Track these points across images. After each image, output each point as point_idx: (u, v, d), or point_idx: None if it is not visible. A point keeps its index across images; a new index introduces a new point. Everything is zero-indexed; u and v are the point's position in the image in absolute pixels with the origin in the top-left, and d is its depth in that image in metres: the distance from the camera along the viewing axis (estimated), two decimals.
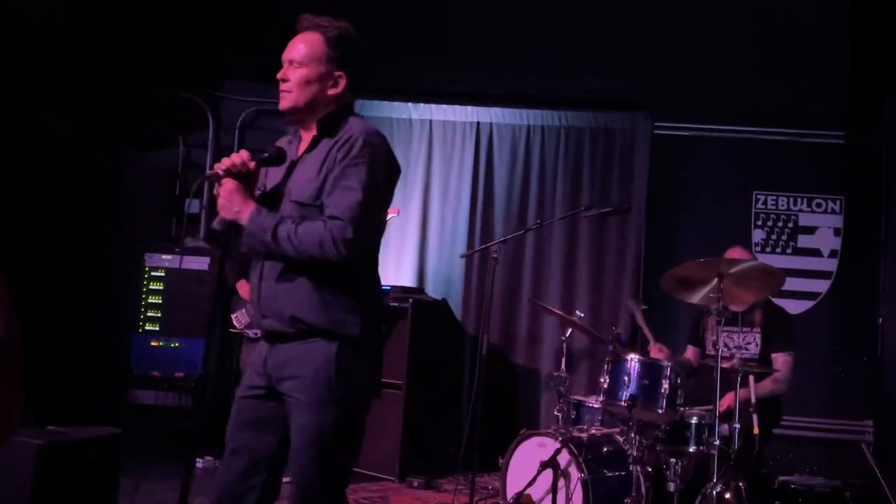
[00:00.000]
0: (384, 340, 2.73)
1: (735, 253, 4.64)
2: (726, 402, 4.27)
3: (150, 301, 6.20)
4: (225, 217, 2.48)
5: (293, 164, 2.58)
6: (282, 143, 2.68)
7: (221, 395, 5.85)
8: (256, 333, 5.07)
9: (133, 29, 6.04)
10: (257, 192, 2.59)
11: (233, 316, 5.15)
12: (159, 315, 6.18)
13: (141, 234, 6.45)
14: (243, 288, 5.10)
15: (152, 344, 6.13)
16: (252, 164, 2.51)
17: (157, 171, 6.92)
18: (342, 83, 2.56)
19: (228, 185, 2.46)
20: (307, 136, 2.59)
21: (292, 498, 2.47)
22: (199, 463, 5.46)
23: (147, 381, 6.03)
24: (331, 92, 2.56)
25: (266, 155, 2.55)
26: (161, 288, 6.21)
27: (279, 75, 2.57)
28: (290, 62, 2.55)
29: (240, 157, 2.49)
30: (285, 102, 2.56)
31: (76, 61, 5.91)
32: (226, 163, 2.49)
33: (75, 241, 6.03)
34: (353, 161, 2.44)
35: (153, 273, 6.23)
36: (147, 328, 6.15)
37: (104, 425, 3.93)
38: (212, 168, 2.61)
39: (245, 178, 2.50)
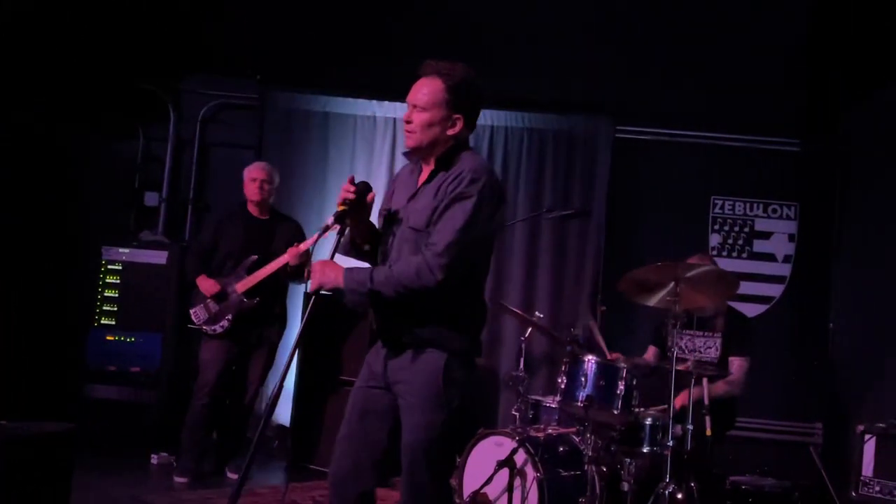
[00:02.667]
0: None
1: (695, 260, 4.70)
2: (680, 399, 4.34)
3: (106, 295, 6.12)
4: (325, 287, 2.75)
5: (415, 193, 2.87)
6: (404, 170, 3.03)
7: (178, 391, 5.85)
8: (215, 330, 5.04)
9: (94, 19, 5.95)
10: (381, 213, 2.96)
11: (191, 311, 5.11)
12: (115, 309, 6.11)
13: (98, 227, 6.36)
14: (203, 283, 5.07)
15: (108, 338, 6.06)
16: (352, 191, 2.78)
17: (115, 163, 6.83)
18: (459, 124, 2.84)
19: (316, 265, 2.77)
20: (427, 169, 2.89)
21: (405, 488, 2.80)
22: (154, 459, 5.41)
23: (103, 375, 5.95)
24: (449, 132, 2.83)
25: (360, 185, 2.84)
26: (118, 282, 6.13)
27: (404, 117, 2.85)
28: (414, 106, 2.82)
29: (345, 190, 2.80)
30: (410, 142, 2.84)
31: (35, 51, 5.81)
32: (340, 197, 2.79)
33: (31, 233, 5.94)
34: (460, 195, 2.72)
35: (110, 266, 6.15)
36: (103, 322, 6.07)
37: (58, 420, 3.87)
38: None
39: (357, 209, 2.81)
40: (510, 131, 6.56)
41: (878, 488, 4.24)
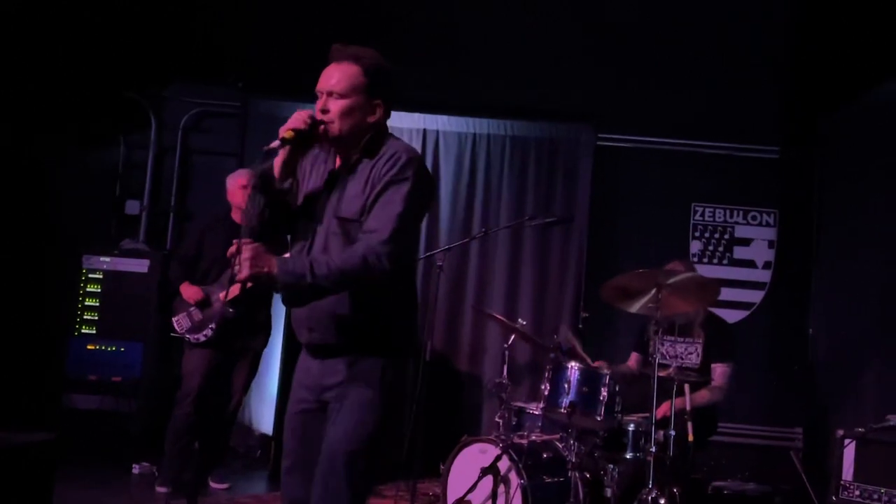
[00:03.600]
0: None
1: (674, 266, 4.75)
2: (662, 410, 4.37)
3: (87, 303, 6.08)
4: (257, 275, 2.44)
5: (332, 181, 2.66)
6: (312, 154, 2.76)
7: (159, 400, 5.81)
8: (198, 338, 5.00)
9: (75, 27, 5.92)
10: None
11: (174, 319, 5.06)
12: (96, 318, 6.07)
13: (79, 236, 6.32)
14: (187, 290, 5.04)
15: (89, 347, 6.02)
16: (307, 122, 2.55)
17: (96, 171, 6.79)
18: (380, 110, 2.64)
19: (247, 250, 2.43)
20: (346, 157, 2.66)
21: (316, 496, 2.52)
22: (136, 469, 5.37)
23: (83, 385, 5.91)
24: (370, 119, 2.63)
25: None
26: (99, 290, 6.10)
27: (319, 106, 2.60)
28: (330, 94, 2.60)
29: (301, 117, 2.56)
30: (330, 134, 2.61)
31: (16, 58, 5.77)
32: (289, 125, 2.54)
33: (10, 241, 5.88)
34: (397, 178, 2.53)
35: (91, 275, 6.11)
36: (84, 331, 6.03)
37: (38, 430, 3.84)
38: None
39: (304, 141, 2.57)
40: (492, 139, 6.58)
41: (857, 492, 4.28)
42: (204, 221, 5.51)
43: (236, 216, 5.21)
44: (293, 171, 2.67)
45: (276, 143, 2.54)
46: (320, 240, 2.62)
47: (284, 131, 2.54)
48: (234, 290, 4.96)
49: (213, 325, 4.98)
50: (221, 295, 5.00)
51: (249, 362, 5.17)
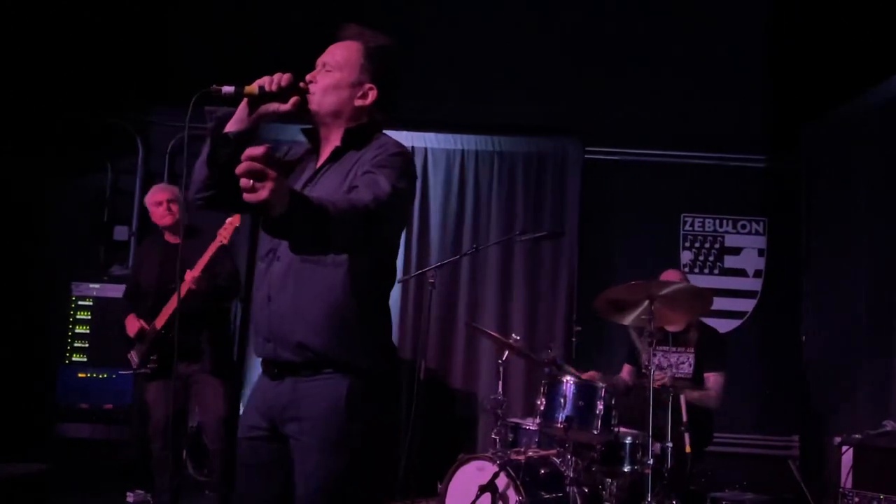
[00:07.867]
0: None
1: (668, 275, 4.77)
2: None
3: (77, 331, 6.03)
4: (274, 213, 1.85)
5: (314, 174, 2.39)
6: (299, 148, 2.52)
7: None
8: (146, 372, 4.68)
9: (61, 53, 5.92)
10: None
11: (129, 356, 4.74)
12: (87, 345, 6.02)
13: (67, 263, 6.28)
14: (128, 324, 4.69)
15: (79, 375, 5.97)
16: (283, 84, 2.30)
17: (84, 197, 6.76)
18: (371, 95, 2.40)
19: (275, 180, 1.81)
20: (328, 148, 2.42)
21: None
22: (130, 497, 5.31)
23: (75, 413, 5.85)
24: (357, 102, 2.39)
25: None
26: (88, 317, 6.05)
27: (308, 76, 2.37)
28: (323, 65, 2.40)
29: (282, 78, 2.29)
30: (310, 105, 2.37)
31: (1, 86, 5.77)
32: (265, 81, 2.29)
33: None
34: (384, 162, 2.24)
35: (80, 302, 6.07)
36: (74, 359, 5.98)
37: (29, 461, 3.80)
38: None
39: (263, 101, 2.32)
40: (480, 155, 6.59)
41: (857, 500, 4.27)
42: (142, 247, 5.19)
43: (168, 237, 4.85)
44: (249, 134, 2.38)
45: (229, 89, 2.27)
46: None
47: (251, 86, 2.30)
48: (164, 313, 4.63)
49: (154, 357, 4.63)
50: (157, 321, 4.64)
51: (213, 384, 4.72)
